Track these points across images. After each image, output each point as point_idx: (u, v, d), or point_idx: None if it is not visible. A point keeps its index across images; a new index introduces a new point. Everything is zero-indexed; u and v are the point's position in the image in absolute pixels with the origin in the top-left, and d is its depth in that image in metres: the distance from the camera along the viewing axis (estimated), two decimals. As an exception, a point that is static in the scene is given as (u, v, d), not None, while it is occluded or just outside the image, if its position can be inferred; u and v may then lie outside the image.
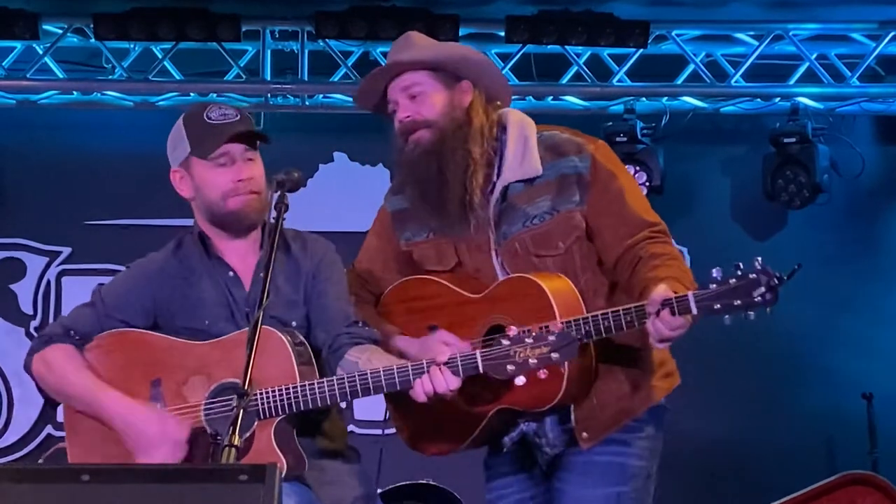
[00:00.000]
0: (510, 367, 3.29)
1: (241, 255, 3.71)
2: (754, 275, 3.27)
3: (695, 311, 3.30)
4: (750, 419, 7.22)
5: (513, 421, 3.67)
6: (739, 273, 3.28)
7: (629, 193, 3.66)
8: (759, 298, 3.26)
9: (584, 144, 3.67)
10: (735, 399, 7.09)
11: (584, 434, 3.62)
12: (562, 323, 3.39)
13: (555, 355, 3.26)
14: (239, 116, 3.68)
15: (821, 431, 7.24)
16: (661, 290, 3.34)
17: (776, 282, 3.26)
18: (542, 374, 3.31)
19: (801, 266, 3.25)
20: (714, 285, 3.29)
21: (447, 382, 3.36)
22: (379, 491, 6.02)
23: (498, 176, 3.66)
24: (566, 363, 3.39)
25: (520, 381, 3.30)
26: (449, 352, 3.39)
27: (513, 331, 3.32)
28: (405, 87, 3.66)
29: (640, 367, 3.65)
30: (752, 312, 3.28)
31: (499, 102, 3.74)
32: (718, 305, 3.28)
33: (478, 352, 3.34)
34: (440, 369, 3.36)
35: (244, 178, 3.63)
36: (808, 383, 7.28)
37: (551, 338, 3.27)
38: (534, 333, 3.29)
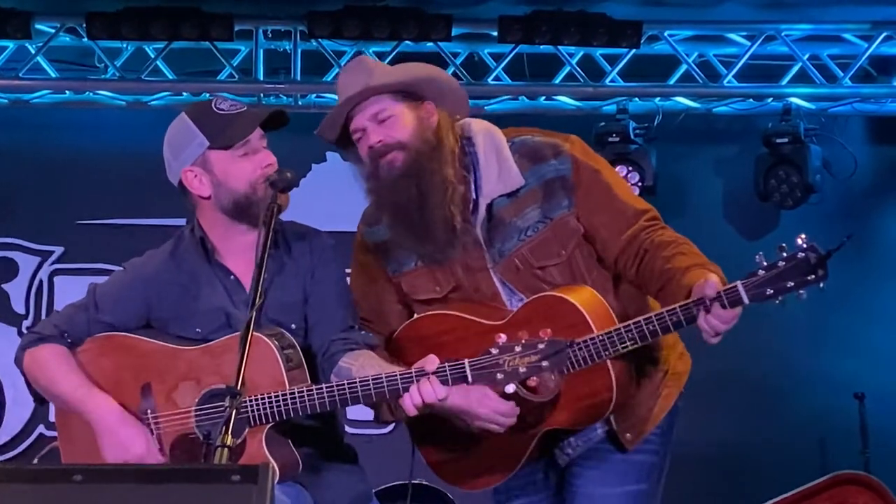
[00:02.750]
0: (499, 376, 3.24)
1: (244, 253, 3.63)
2: (802, 253, 3.26)
3: (746, 301, 3.27)
4: (742, 419, 7.23)
5: (558, 441, 3.63)
6: (786, 255, 3.27)
7: (615, 186, 3.63)
8: (812, 276, 3.25)
9: (560, 144, 3.62)
10: (727, 399, 7.10)
11: (628, 435, 3.60)
12: (593, 338, 3.35)
13: (545, 363, 3.21)
14: (245, 106, 3.67)
15: (813, 431, 7.24)
16: (709, 285, 3.29)
17: (825, 257, 3.25)
18: (533, 382, 3.28)
19: (851, 237, 3.26)
20: (762, 271, 3.27)
21: (435, 392, 3.31)
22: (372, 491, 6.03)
23: (477, 192, 3.60)
24: (614, 374, 3.37)
25: (509, 388, 3.26)
26: (438, 361, 3.33)
27: (502, 339, 3.27)
28: (373, 113, 3.57)
29: (659, 367, 3.65)
30: (803, 291, 3.26)
31: (458, 116, 3.69)
32: (771, 291, 3.26)
33: (466, 360, 3.29)
34: (429, 379, 3.32)
35: (271, 163, 3.61)
36: (800, 383, 7.29)
37: (541, 346, 3.22)
38: (523, 342, 3.24)
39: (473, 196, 3.60)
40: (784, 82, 7.26)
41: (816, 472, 6.58)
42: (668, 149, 7.31)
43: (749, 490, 6.70)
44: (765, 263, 3.27)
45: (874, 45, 7.12)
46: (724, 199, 7.60)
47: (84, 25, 6.93)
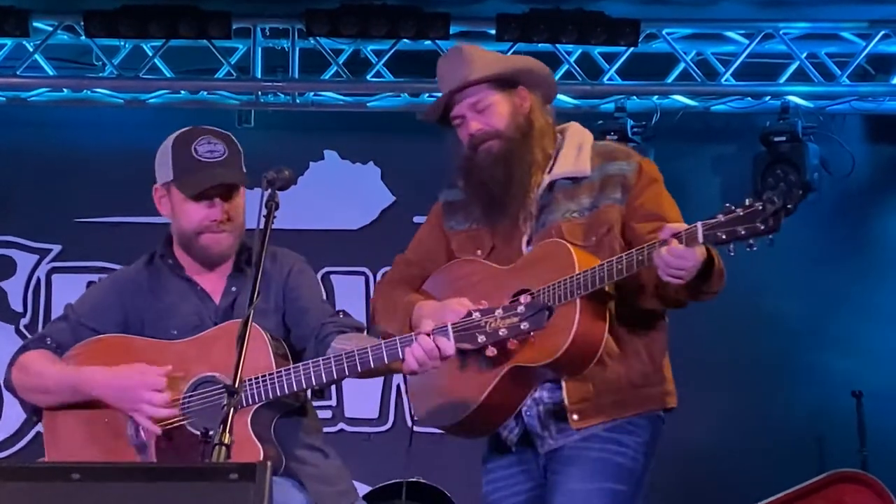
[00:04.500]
0: (481, 338, 3.38)
1: (211, 279, 3.78)
2: (760, 204, 3.35)
3: (701, 239, 3.38)
4: (740, 417, 7.23)
5: (522, 387, 3.69)
6: (747, 202, 3.37)
7: (666, 199, 3.81)
8: (762, 227, 3.34)
9: (635, 155, 3.87)
10: (725, 397, 7.11)
11: (575, 416, 3.67)
12: (572, 277, 3.51)
13: (524, 325, 3.35)
14: (226, 154, 3.72)
15: (810, 429, 7.24)
16: (672, 225, 3.46)
17: (780, 209, 3.33)
18: (512, 344, 3.40)
19: (803, 193, 3.31)
20: (721, 216, 3.37)
21: (424, 349, 3.41)
22: (369, 489, 6.03)
23: (549, 171, 3.82)
24: (578, 318, 3.51)
25: (490, 351, 3.39)
26: (433, 324, 3.44)
27: (484, 304, 3.43)
28: (472, 103, 3.82)
29: (644, 370, 3.73)
30: (753, 241, 3.35)
31: (549, 107, 3.96)
32: (723, 235, 3.36)
33: (448, 323, 3.41)
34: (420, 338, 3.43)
35: (219, 220, 3.70)
36: (798, 381, 7.29)
37: (520, 308, 3.37)
38: (504, 305, 3.41)
39: (545, 175, 3.83)
40: (782, 80, 7.27)
41: (814, 470, 6.59)
42: (666, 147, 7.31)
43: (746, 488, 6.69)
44: (727, 208, 3.38)
45: (872, 44, 7.12)
46: (721, 198, 7.57)
47: (82, 23, 6.93)
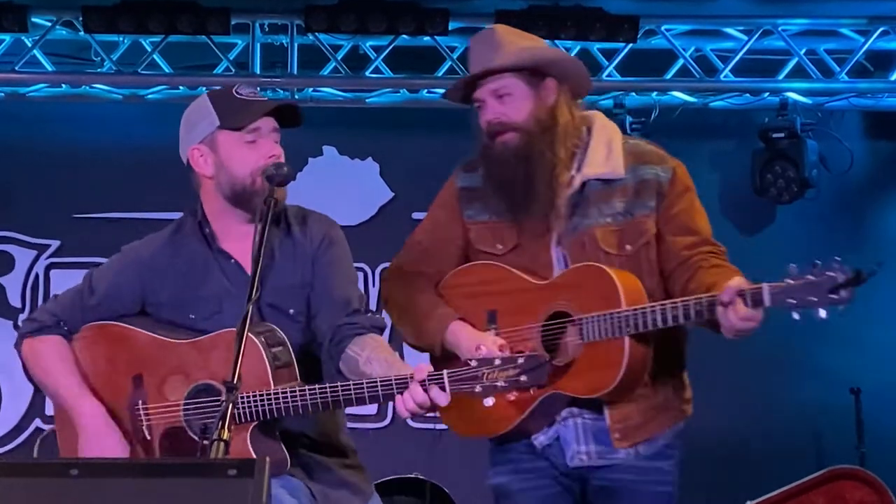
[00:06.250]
0: (478, 389, 3.24)
1: (244, 238, 3.62)
2: (832, 273, 3.27)
3: (768, 302, 3.32)
4: (738, 414, 7.24)
5: (560, 407, 3.66)
6: (817, 269, 3.29)
7: (698, 211, 3.74)
8: (835, 296, 3.27)
9: (668, 158, 3.78)
10: (723, 394, 7.09)
11: (617, 435, 3.65)
12: (618, 312, 3.44)
13: (523, 378, 3.21)
14: (268, 97, 3.68)
15: (809, 426, 7.25)
16: (736, 282, 3.38)
17: (854, 281, 3.26)
18: (511, 396, 3.31)
19: (881, 264, 3.26)
20: (790, 280, 3.30)
21: (415, 399, 3.30)
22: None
23: (578, 170, 3.70)
24: (628, 352, 3.44)
25: (488, 402, 3.26)
26: (428, 369, 3.33)
27: (482, 352, 3.31)
28: (493, 89, 3.70)
29: (673, 382, 3.73)
30: (824, 310, 3.28)
31: (579, 101, 3.81)
32: (793, 300, 3.29)
33: (445, 371, 3.29)
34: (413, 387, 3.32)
35: (274, 155, 3.60)
36: (796, 378, 7.30)
37: (520, 360, 3.22)
38: (503, 355, 3.26)
39: (574, 172, 3.70)
40: (781, 77, 7.27)
41: (812, 466, 6.60)
42: (665, 143, 7.18)
43: (744, 484, 6.70)
44: (795, 273, 3.30)
45: (871, 40, 7.12)
46: (720, 194, 7.59)
47: (80, 19, 6.91)
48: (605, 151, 3.72)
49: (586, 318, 3.51)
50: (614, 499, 3.71)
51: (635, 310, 3.46)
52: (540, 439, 3.73)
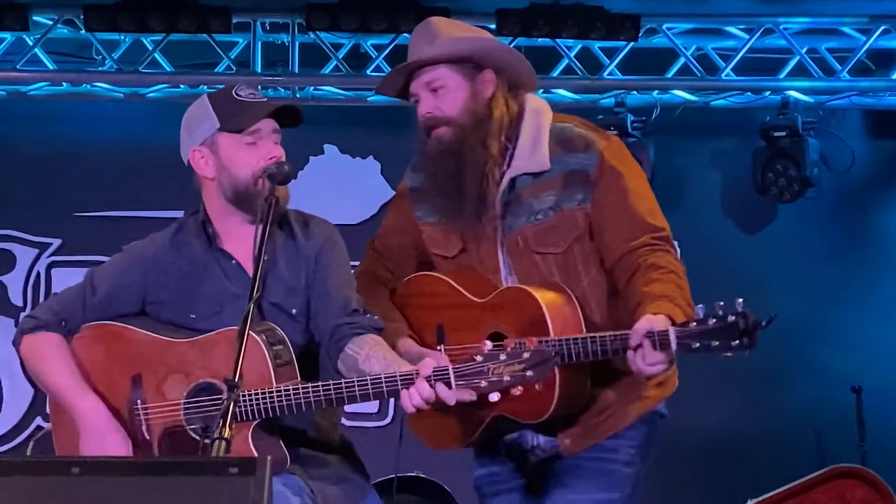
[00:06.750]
0: (483, 384, 3.23)
1: (245, 239, 3.62)
2: (733, 318, 3.22)
3: (675, 347, 3.24)
4: (739, 412, 7.24)
5: (511, 428, 3.65)
6: (720, 314, 3.23)
7: (634, 194, 3.58)
8: (737, 343, 3.22)
9: (595, 141, 3.61)
10: (724, 392, 7.10)
11: (567, 441, 3.62)
12: (546, 341, 3.36)
13: (529, 373, 3.19)
14: (267, 98, 3.68)
15: (810, 424, 7.25)
16: (646, 321, 3.28)
17: (753, 327, 3.21)
18: (517, 391, 3.25)
19: (776, 316, 3.22)
20: (694, 323, 3.24)
21: (421, 394, 3.31)
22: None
23: (508, 165, 3.61)
24: (559, 380, 3.38)
25: (493, 397, 3.24)
26: (433, 364, 3.33)
27: (487, 346, 3.29)
28: (427, 81, 3.62)
29: (632, 377, 3.53)
30: (729, 354, 3.23)
31: (521, 91, 3.69)
32: (697, 345, 3.24)
33: (450, 367, 3.29)
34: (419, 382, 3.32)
35: (275, 156, 3.60)
36: (798, 376, 7.29)
37: (526, 355, 3.20)
38: (508, 350, 3.23)
39: (505, 168, 3.62)
40: (782, 76, 7.26)
41: (813, 465, 6.60)
42: (666, 142, 7.31)
43: (745, 483, 6.70)
44: (700, 316, 3.24)
45: (872, 39, 7.12)
46: (721, 193, 7.59)
47: (82, 17, 6.91)
48: (532, 142, 3.60)
49: (516, 343, 3.37)
50: (553, 475, 3.66)
51: (559, 341, 3.38)
52: (505, 439, 3.73)
